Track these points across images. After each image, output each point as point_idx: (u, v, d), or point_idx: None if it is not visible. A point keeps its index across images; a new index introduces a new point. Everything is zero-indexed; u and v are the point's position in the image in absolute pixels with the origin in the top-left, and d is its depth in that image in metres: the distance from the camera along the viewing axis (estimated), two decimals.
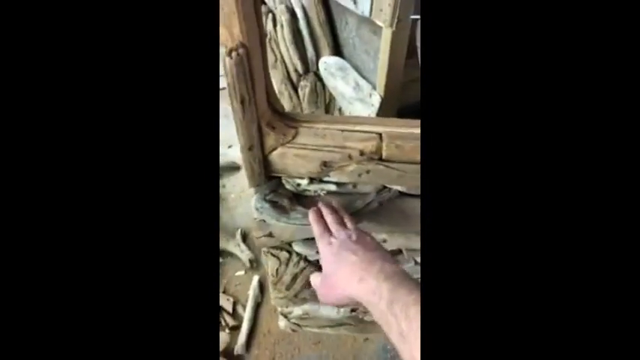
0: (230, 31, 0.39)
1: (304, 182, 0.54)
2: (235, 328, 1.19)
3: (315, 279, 0.49)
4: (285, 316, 0.86)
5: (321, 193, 0.57)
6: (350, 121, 0.50)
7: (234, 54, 0.40)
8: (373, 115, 1.05)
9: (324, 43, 1.14)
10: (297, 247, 0.66)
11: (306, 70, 1.20)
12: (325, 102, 1.26)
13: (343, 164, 0.50)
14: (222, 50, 0.40)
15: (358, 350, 1.14)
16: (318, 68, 1.19)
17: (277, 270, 0.70)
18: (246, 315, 1.21)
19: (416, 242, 0.62)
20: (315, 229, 0.51)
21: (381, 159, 0.49)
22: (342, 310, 0.81)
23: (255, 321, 1.21)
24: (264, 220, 0.60)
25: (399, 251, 0.65)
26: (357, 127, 0.48)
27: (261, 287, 1.29)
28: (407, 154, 0.48)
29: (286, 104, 1.30)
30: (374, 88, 1.03)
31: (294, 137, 0.49)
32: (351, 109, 1.13)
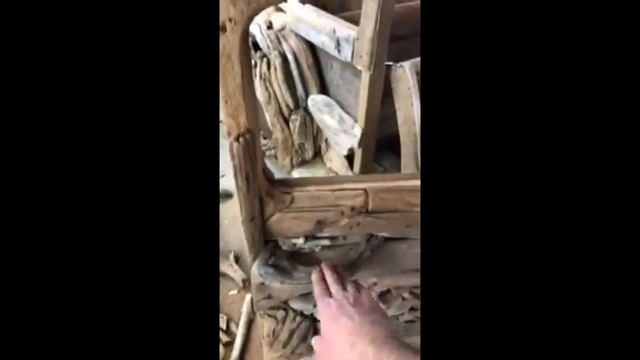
0: (237, 121, 0.44)
1: (300, 241, 0.58)
2: (229, 344, 1.24)
3: (315, 343, 0.50)
4: None
5: (317, 249, 0.60)
6: (337, 180, 0.56)
7: (241, 139, 0.44)
8: (356, 144, 1.21)
9: (312, 83, 1.31)
10: (293, 304, 0.68)
11: (297, 106, 1.37)
12: (314, 133, 1.41)
13: (336, 220, 0.55)
14: (230, 136, 0.45)
15: None
16: (307, 104, 1.35)
17: (274, 330, 0.71)
18: (239, 331, 1.27)
19: (402, 281, 0.66)
20: (316, 290, 0.53)
21: (367, 211, 0.55)
22: None
23: (247, 337, 1.27)
24: (263, 283, 0.61)
25: (388, 291, 0.69)
26: (346, 186, 0.54)
27: (254, 305, 1.36)
28: (389, 204, 0.55)
29: (279, 135, 1.45)
30: (356, 121, 1.19)
31: (291, 202, 0.53)
32: (337, 139, 1.29)
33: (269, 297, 0.65)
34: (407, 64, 1.05)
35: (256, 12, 0.38)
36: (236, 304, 1.36)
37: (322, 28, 1.14)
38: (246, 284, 1.41)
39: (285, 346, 0.74)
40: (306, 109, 1.37)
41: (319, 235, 0.57)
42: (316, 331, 0.73)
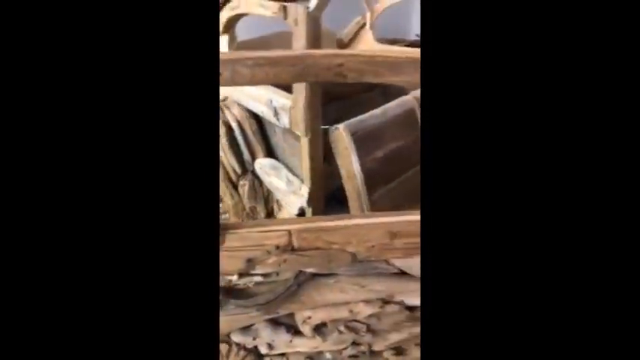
0: None
1: (234, 278, 0.65)
2: None
3: None
4: None
5: (250, 285, 0.68)
6: (263, 223, 0.65)
7: None
8: (305, 203, 1.22)
9: (258, 148, 1.33)
10: (235, 338, 0.73)
11: (244, 171, 1.38)
12: (264, 195, 1.41)
13: (264, 258, 0.62)
14: None
15: None
16: (254, 168, 1.36)
17: None
18: None
19: (334, 313, 0.73)
20: None
21: (292, 249, 0.62)
22: None
23: None
24: None
25: (324, 324, 0.75)
26: (271, 227, 0.63)
27: None
28: (310, 243, 0.63)
29: (229, 201, 1.44)
30: (302, 182, 1.21)
31: (222, 243, 0.61)
32: (287, 200, 1.29)
33: None
34: (341, 126, 1.10)
35: None
36: None
37: (260, 98, 1.18)
38: None
39: None
40: (254, 173, 1.37)
41: (252, 272, 0.64)
42: None
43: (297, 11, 0.91)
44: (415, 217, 0.64)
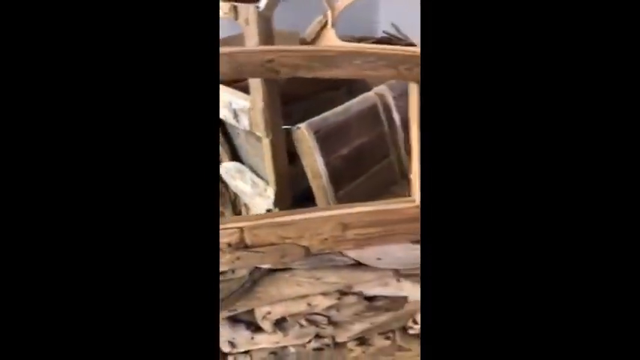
0: None
1: None
2: None
3: None
4: None
5: None
6: (220, 222, 0.64)
7: None
8: (271, 205, 1.22)
9: (222, 151, 1.33)
10: None
11: None
12: (231, 200, 1.41)
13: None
14: None
15: None
16: (220, 173, 1.35)
17: None
18: None
19: (293, 307, 0.73)
20: None
21: (245, 247, 0.63)
22: None
23: None
24: None
25: (284, 319, 0.75)
26: (223, 226, 0.63)
27: None
28: (263, 239, 0.63)
29: None
30: (267, 183, 1.21)
31: None
32: (253, 202, 1.29)
33: None
34: (304, 126, 1.11)
35: None
36: None
37: (220, 101, 1.18)
38: None
39: None
40: (220, 178, 1.36)
41: None
42: None
43: (247, 11, 0.91)
44: (365, 208, 0.66)
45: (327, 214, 0.65)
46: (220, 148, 1.32)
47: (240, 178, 1.29)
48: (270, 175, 1.17)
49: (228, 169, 1.31)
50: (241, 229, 0.62)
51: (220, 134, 1.31)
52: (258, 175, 1.26)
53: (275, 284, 0.70)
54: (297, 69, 0.50)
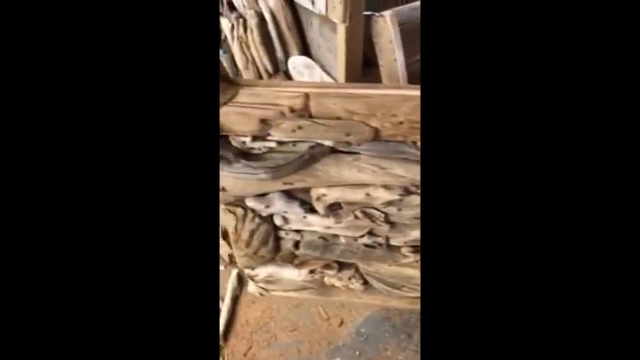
0: None
1: (248, 140, 0.62)
2: None
3: None
4: (252, 279, 0.91)
5: (264, 150, 0.64)
6: (283, 84, 0.58)
7: None
8: None
9: (292, 44, 1.22)
10: (249, 203, 0.72)
11: (276, 70, 1.28)
12: None
13: (278, 121, 0.57)
14: None
15: (333, 334, 1.16)
16: (287, 67, 1.26)
17: (236, 227, 0.77)
18: (225, 307, 1.24)
19: (350, 195, 0.69)
20: None
21: (310, 116, 0.56)
22: (302, 272, 0.85)
23: (233, 312, 1.24)
24: None
25: (339, 205, 0.71)
26: (287, 88, 0.56)
27: (240, 280, 1.33)
28: (329, 110, 0.55)
29: None
30: (336, 82, 1.10)
31: (233, 97, 0.56)
32: None
33: (223, 189, 0.69)
34: (387, 14, 0.95)
35: None
36: (222, 280, 1.33)
37: None
38: (232, 259, 1.38)
39: (247, 245, 0.81)
40: (286, 73, 1.28)
41: (268, 138, 0.61)
42: (276, 237, 0.77)
43: None
44: None
45: (407, 92, 0.54)
46: (290, 40, 1.22)
47: (308, 75, 1.19)
48: (341, 73, 1.05)
49: (296, 63, 1.22)
50: (306, 95, 0.55)
51: (291, 23, 1.20)
52: (328, 73, 1.15)
53: (335, 165, 0.64)
54: None
